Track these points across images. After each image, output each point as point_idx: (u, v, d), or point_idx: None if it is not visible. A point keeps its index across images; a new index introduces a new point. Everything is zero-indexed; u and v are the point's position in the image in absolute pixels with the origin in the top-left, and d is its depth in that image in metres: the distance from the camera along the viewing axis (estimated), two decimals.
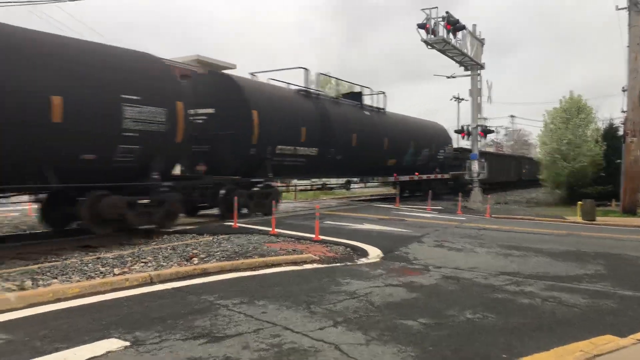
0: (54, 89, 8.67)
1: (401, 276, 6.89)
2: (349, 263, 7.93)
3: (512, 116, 73.17)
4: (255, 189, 14.29)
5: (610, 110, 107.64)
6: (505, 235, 11.81)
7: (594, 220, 16.35)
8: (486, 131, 24.93)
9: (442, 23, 20.03)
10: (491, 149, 51.07)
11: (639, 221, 16.67)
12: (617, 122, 28.24)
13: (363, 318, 4.87)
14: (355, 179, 21.34)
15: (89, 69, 9.40)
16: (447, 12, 20.22)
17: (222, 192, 12.92)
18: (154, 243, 9.42)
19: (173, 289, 5.93)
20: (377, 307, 5.28)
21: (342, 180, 20.95)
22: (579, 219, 16.61)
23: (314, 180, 20.96)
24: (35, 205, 11.32)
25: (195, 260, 7.64)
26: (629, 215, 18.52)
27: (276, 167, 14.90)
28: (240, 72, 28.84)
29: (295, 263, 7.73)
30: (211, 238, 9.76)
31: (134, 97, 9.87)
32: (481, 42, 23.97)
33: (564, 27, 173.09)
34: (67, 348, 3.93)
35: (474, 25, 23.35)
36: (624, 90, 25.26)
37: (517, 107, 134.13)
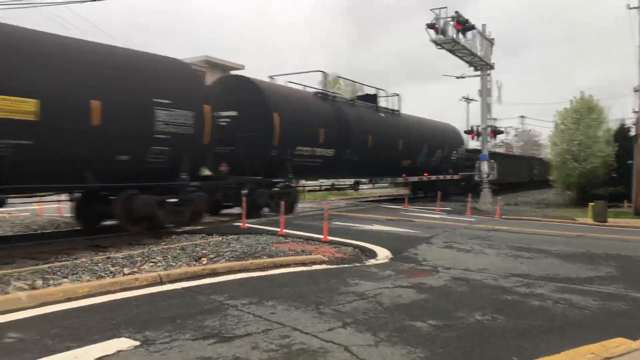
0: (93, 93, 9.10)
1: (410, 277, 6.87)
2: (357, 264, 7.91)
3: (522, 117, 72.52)
4: (275, 189, 14.57)
5: (622, 110, 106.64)
6: (515, 237, 11.73)
7: (605, 221, 16.21)
8: (496, 132, 24.72)
9: (452, 23, 19.90)
10: (501, 150, 50.76)
11: None
12: (629, 122, 28.02)
13: (372, 319, 4.86)
14: (363, 180, 21.36)
15: (123, 74, 9.83)
16: (456, 12, 20.09)
17: (244, 192, 13.18)
18: (163, 243, 9.46)
19: (182, 288, 5.95)
20: (386, 308, 5.26)
21: (350, 181, 20.99)
22: (589, 220, 16.47)
23: (322, 180, 21.03)
24: (67, 205, 12.09)
25: (204, 260, 7.66)
26: None
27: (295, 167, 15.19)
28: (249, 72, 28.95)
29: (304, 264, 7.72)
30: (220, 238, 9.79)
31: (165, 101, 10.32)
32: (491, 42, 23.76)
33: (575, 27, 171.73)
34: (78, 347, 3.96)
35: (484, 25, 23.21)
36: (635, 91, 25.06)
37: (528, 107, 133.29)
